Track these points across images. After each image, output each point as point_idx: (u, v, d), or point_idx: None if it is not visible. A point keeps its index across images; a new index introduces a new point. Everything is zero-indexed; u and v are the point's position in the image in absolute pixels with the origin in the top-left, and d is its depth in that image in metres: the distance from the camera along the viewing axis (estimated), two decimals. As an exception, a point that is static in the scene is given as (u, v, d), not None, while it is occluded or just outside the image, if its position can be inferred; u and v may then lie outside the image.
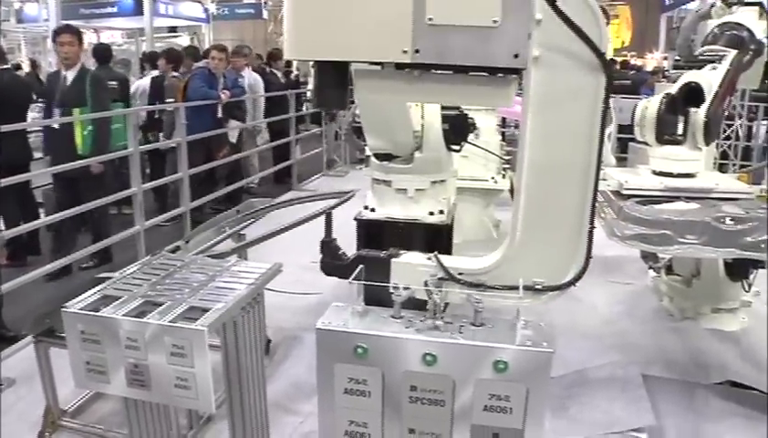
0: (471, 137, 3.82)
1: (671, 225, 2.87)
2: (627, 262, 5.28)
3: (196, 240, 3.60)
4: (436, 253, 2.23)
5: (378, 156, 3.44)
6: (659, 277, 4.63)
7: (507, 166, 5.74)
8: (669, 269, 4.53)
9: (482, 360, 1.79)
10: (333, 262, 2.44)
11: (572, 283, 2.14)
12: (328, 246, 2.45)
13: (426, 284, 2.08)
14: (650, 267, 4.81)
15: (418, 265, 2.24)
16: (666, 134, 3.42)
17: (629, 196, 3.14)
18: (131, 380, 2.12)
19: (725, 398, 3.49)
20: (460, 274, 2.17)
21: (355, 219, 3.53)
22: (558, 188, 2.06)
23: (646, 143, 3.63)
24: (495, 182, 5.70)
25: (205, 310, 2.19)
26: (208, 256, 2.98)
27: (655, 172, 3.40)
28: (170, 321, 2.09)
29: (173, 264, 2.63)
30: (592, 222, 2.07)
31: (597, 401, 3.44)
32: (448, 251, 3.43)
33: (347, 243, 2.81)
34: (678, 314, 4.43)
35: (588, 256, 2.11)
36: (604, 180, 3.26)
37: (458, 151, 3.60)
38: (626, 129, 3.87)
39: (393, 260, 2.27)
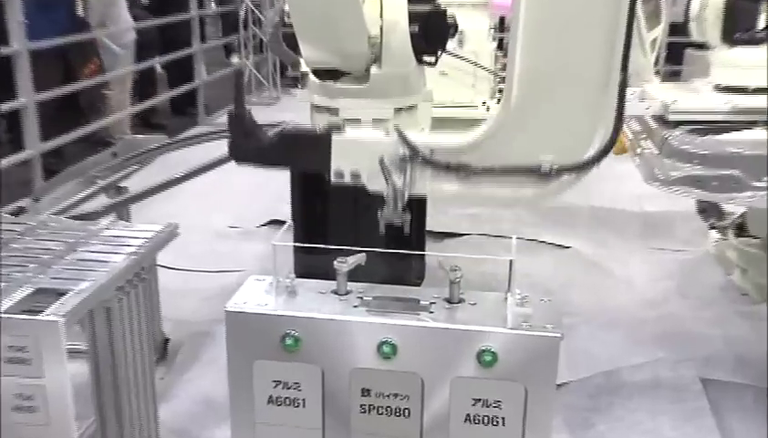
0: (452, 45, 3.85)
1: (741, 163, 2.92)
2: (677, 219, 5.37)
3: (52, 197, 3.59)
4: (397, 125, 2.25)
5: (318, 74, 3.44)
6: (726, 241, 4.73)
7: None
8: (741, 229, 4.63)
9: (462, 351, 1.85)
10: (247, 143, 2.42)
11: (595, 161, 2.16)
12: (240, 121, 2.44)
13: (382, 163, 2.12)
14: (712, 227, 4.91)
15: (370, 141, 2.27)
16: (738, 30, 3.46)
17: (679, 123, 3.19)
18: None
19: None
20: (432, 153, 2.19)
21: (289, 163, 3.55)
22: (573, 19, 2.04)
23: (706, 46, 3.67)
24: (488, 108, 5.74)
25: (61, 294, 2.19)
26: (68, 218, 2.97)
27: (719, 88, 3.44)
28: (5, 311, 2.08)
29: (13, 229, 2.62)
30: (625, 68, 2.06)
31: (637, 415, 3.54)
32: (422, 208, 3.49)
33: (280, 199, 2.80)
34: (754, 294, 4.53)
35: (619, 122, 2.11)
36: (642, 101, 3.30)
37: (433, 64, 3.63)
38: (681, 30, 3.90)
39: (335, 137, 2.29)
